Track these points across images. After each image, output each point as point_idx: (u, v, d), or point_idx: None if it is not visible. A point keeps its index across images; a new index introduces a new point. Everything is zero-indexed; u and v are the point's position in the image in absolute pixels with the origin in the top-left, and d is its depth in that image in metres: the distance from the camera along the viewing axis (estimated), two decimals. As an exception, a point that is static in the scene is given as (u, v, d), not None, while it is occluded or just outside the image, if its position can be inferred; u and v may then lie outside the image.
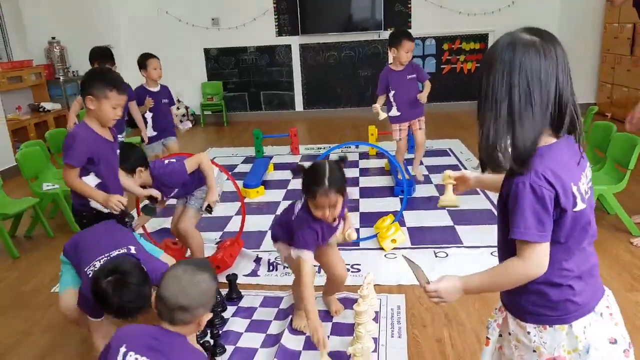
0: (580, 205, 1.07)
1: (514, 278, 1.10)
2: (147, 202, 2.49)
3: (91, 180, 2.11)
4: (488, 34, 7.09)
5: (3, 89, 4.97)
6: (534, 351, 1.15)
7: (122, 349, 1.26)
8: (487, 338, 1.28)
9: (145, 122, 3.95)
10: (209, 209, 2.54)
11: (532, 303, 1.13)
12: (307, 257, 1.91)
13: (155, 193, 2.43)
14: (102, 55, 3.75)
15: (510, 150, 1.05)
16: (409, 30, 6.95)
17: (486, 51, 1.11)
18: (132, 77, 4.01)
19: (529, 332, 1.15)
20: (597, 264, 1.18)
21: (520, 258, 1.07)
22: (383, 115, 3.63)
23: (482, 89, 1.10)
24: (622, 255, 2.76)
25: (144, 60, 3.91)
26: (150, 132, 4.00)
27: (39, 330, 2.33)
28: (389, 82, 3.66)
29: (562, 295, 1.11)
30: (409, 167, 4.14)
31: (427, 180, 4.15)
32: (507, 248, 1.13)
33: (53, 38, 5.86)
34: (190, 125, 4.10)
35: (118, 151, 2.24)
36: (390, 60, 3.86)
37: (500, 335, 1.26)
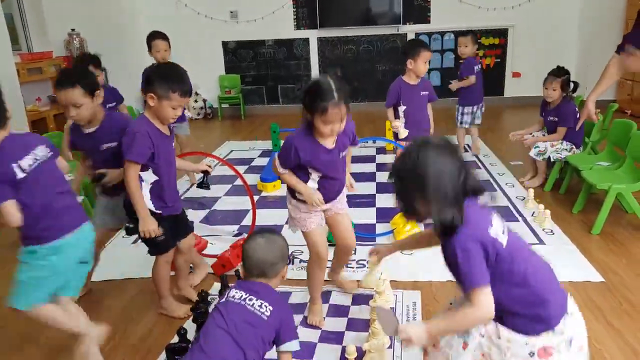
0: (504, 239, 1.32)
1: (468, 322, 1.35)
2: (201, 177, 2.50)
3: (148, 177, 2.11)
4: (508, 29, 7.00)
5: (23, 80, 5.02)
6: (530, 354, 1.34)
7: (231, 288, 1.67)
8: (465, 343, 1.43)
9: None
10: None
11: (521, 324, 1.34)
12: (280, 169, 2.04)
13: (207, 167, 2.45)
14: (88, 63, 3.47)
15: (439, 223, 1.29)
16: (429, 25, 7.01)
17: (406, 156, 1.35)
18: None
19: (524, 342, 1.34)
20: (554, 275, 1.40)
21: (471, 305, 1.30)
22: (405, 133, 3.34)
23: (410, 186, 1.33)
24: (641, 255, 2.73)
25: (148, 41, 3.84)
26: None
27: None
28: (400, 95, 3.33)
29: (545, 313, 1.33)
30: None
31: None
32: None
33: (73, 30, 5.92)
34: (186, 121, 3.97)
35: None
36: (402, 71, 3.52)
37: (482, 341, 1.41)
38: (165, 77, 2.02)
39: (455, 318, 1.36)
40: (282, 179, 2.11)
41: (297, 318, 2.25)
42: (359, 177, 4.28)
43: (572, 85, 3.66)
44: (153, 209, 2.14)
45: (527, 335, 1.33)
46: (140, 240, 2.22)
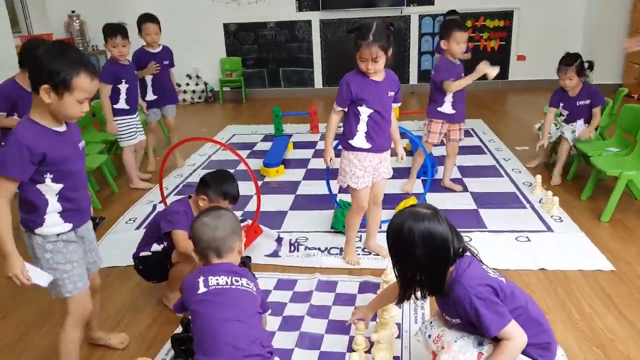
0: (502, 278, 1.48)
1: (515, 355, 1.40)
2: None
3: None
4: (513, 11, 6.87)
5: (24, 64, 4.97)
6: None
7: (201, 278, 1.55)
8: (481, 354, 1.46)
9: (146, 86, 3.91)
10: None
11: (531, 352, 1.44)
12: (336, 108, 2.34)
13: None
14: (116, 32, 3.55)
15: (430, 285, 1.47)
16: (433, 7, 6.86)
17: (396, 227, 1.44)
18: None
19: None
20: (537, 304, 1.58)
21: (508, 340, 1.38)
22: (496, 70, 3.08)
23: (405, 255, 1.44)
24: (651, 243, 2.69)
25: (139, 24, 3.84)
26: (149, 95, 3.94)
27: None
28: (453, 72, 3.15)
29: (547, 338, 1.48)
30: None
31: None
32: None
33: (73, 12, 5.81)
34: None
35: None
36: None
37: None
38: (219, 186, 2.22)
39: (502, 357, 1.38)
40: (327, 129, 2.37)
41: (304, 307, 2.22)
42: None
43: (587, 65, 3.55)
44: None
45: None
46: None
